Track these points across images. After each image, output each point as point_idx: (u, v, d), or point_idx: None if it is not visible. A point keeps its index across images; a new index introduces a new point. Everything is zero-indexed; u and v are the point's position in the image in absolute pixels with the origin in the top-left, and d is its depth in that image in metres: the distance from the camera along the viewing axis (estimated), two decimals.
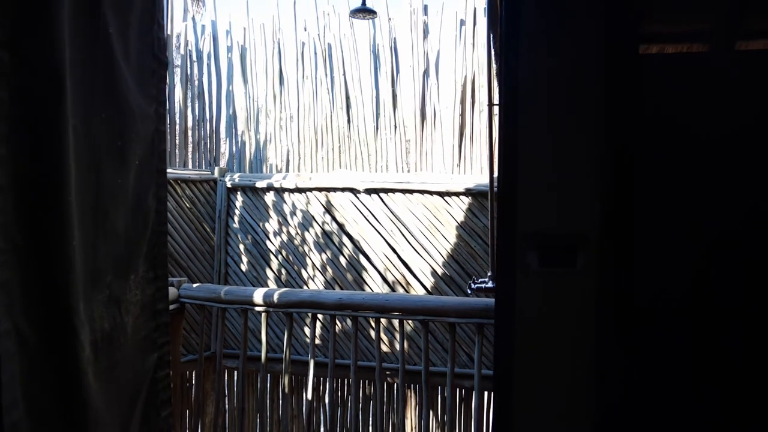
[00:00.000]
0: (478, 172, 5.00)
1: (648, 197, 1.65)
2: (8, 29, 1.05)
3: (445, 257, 4.97)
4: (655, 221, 1.65)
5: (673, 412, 1.63)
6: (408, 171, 5.19)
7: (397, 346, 3.65)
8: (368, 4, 3.15)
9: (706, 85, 1.67)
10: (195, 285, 3.94)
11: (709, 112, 1.66)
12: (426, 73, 5.15)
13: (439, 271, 4.98)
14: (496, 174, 3.05)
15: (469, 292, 2.64)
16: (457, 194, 4.94)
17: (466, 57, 5.03)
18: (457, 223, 4.94)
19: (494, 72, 3.29)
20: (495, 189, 3.04)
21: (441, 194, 4.98)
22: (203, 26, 5.49)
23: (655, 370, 1.64)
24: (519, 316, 1.67)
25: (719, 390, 1.60)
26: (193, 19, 5.46)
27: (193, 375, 4.91)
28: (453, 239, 4.95)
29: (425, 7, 5.14)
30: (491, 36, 3.01)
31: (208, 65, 5.53)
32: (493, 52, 3.12)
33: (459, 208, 4.94)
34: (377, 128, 5.26)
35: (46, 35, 1.14)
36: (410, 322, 4.70)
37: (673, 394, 1.63)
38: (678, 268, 1.64)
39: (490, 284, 2.67)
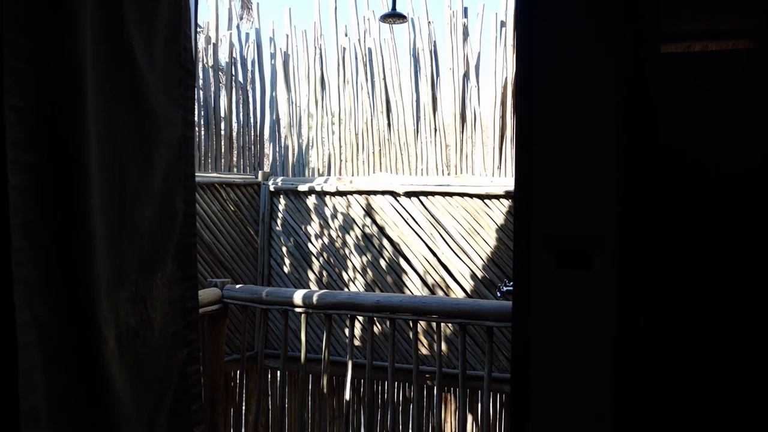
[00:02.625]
0: None
1: (667, 198, 1.63)
2: (31, 41, 1.13)
3: (485, 260, 4.94)
4: (674, 223, 1.62)
5: (693, 419, 1.59)
6: (448, 174, 5.20)
7: (435, 349, 3.66)
8: (406, 9, 3.16)
9: (731, 83, 1.63)
10: (238, 286, 4.05)
11: (733, 109, 1.62)
12: (466, 75, 5.15)
13: (479, 274, 4.96)
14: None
15: (498, 295, 2.63)
16: (497, 197, 4.91)
17: (506, 59, 5.00)
18: (497, 226, 4.91)
19: None
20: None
21: (481, 197, 4.96)
22: (247, 34, 5.64)
23: (673, 374, 1.61)
24: (535, 319, 1.67)
25: (740, 396, 1.56)
26: (238, 27, 5.61)
27: (237, 374, 5.04)
28: (493, 242, 4.93)
29: (465, 10, 5.14)
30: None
31: (252, 72, 5.68)
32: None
33: (499, 211, 4.91)
34: (417, 131, 5.28)
35: (68, 49, 1.21)
36: (449, 324, 4.70)
37: (692, 400, 1.60)
38: (698, 271, 1.60)
39: None
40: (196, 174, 5.20)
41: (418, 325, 3.52)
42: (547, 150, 1.65)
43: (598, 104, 1.58)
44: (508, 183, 4.88)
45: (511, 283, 2.78)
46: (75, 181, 1.26)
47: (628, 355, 1.61)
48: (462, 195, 5.02)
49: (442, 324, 3.72)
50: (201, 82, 5.43)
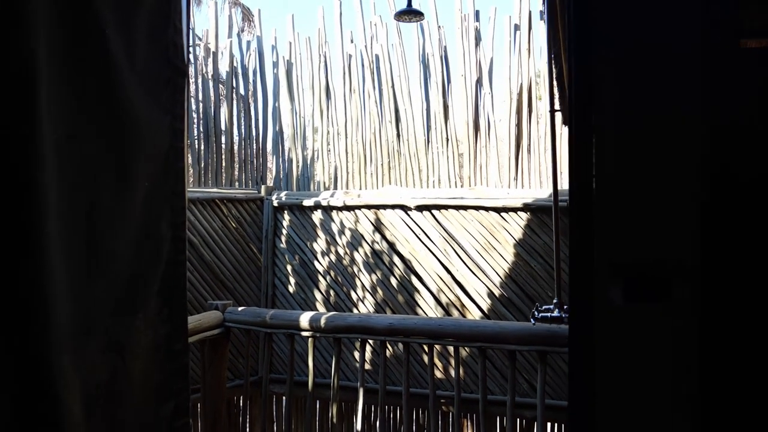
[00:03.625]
0: (537, 186, 4.67)
1: (760, 213, 1.33)
2: None
3: (503, 278, 4.64)
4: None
5: None
6: (462, 186, 4.91)
7: (452, 373, 3.39)
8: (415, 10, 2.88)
9: None
10: (240, 308, 3.77)
11: None
12: (479, 82, 4.88)
13: (497, 292, 4.65)
14: (560, 187, 2.76)
15: (532, 322, 2.34)
16: (514, 210, 4.61)
17: (521, 64, 4.73)
18: (515, 241, 4.61)
19: (555, 76, 3.00)
20: (560, 204, 2.73)
21: (497, 210, 4.67)
22: (248, 42, 5.38)
23: None
24: (600, 362, 1.37)
25: None
26: (238, 35, 5.35)
27: (240, 401, 4.73)
28: (511, 258, 4.63)
29: (477, 13, 4.88)
30: (551, 36, 2.73)
31: (254, 82, 5.42)
32: (553, 55, 2.83)
33: (517, 224, 4.62)
34: (428, 141, 5.00)
35: (15, 39, 0.93)
36: (466, 347, 4.40)
37: None
38: None
39: (556, 313, 2.36)
40: (196, 189, 4.94)
41: (434, 347, 3.25)
42: (611, 156, 1.36)
43: (679, 100, 1.30)
44: (526, 195, 4.58)
45: (545, 308, 2.48)
46: (25, 200, 0.97)
47: (717, 404, 1.31)
48: (477, 208, 4.73)
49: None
50: (201, 93, 5.17)
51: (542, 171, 4.68)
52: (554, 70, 2.91)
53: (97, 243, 1.23)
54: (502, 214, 4.65)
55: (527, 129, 4.73)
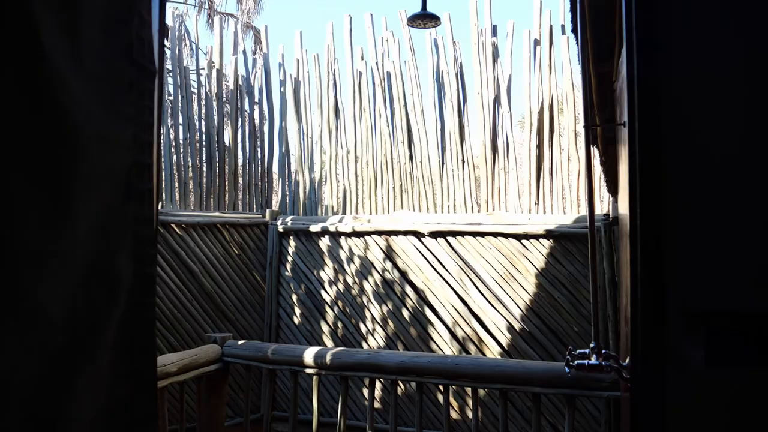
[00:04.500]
0: (560, 211, 4.36)
1: None
2: None
3: (524, 310, 4.30)
4: None
5: None
6: (479, 211, 4.61)
7: (470, 414, 3.07)
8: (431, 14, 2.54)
9: None
10: (240, 342, 3.48)
11: None
12: (497, 100, 4.60)
13: (517, 326, 4.31)
14: (597, 212, 2.47)
15: (567, 371, 2.01)
16: (536, 237, 4.30)
17: (542, 81, 4.46)
18: (536, 270, 4.28)
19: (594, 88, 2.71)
20: (595, 230, 2.42)
21: (517, 237, 4.35)
22: (254, 59, 5.15)
23: None
24: None
25: None
26: (244, 52, 5.13)
27: None
28: (532, 289, 4.30)
29: (494, 28, 4.62)
30: (587, 43, 2.45)
31: (260, 100, 5.18)
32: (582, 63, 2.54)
33: (539, 252, 4.29)
34: (443, 163, 4.72)
35: None
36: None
37: None
38: None
39: (594, 360, 2.03)
40: (196, 213, 4.67)
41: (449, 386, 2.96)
42: (690, 178, 1.06)
43: None
44: (548, 220, 4.27)
45: (580, 352, 2.15)
46: None
47: None
48: (495, 235, 4.41)
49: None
50: (204, 111, 4.94)
51: (566, 195, 4.37)
52: (593, 80, 2.62)
53: (14, 292, 0.93)
54: (523, 241, 4.33)
55: (549, 150, 4.43)
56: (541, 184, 4.46)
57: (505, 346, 4.32)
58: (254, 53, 13.85)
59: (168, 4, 4.49)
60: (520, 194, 4.51)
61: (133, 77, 1.28)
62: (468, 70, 4.68)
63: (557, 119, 4.43)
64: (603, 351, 2.16)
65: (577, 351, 2.17)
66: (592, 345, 2.14)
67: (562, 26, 4.48)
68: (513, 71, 4.64)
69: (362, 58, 4.96)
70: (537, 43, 4.52)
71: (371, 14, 4.90)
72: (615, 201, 3.84)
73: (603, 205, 4.19)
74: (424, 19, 2.52)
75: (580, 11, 2.52)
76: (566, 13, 4.46)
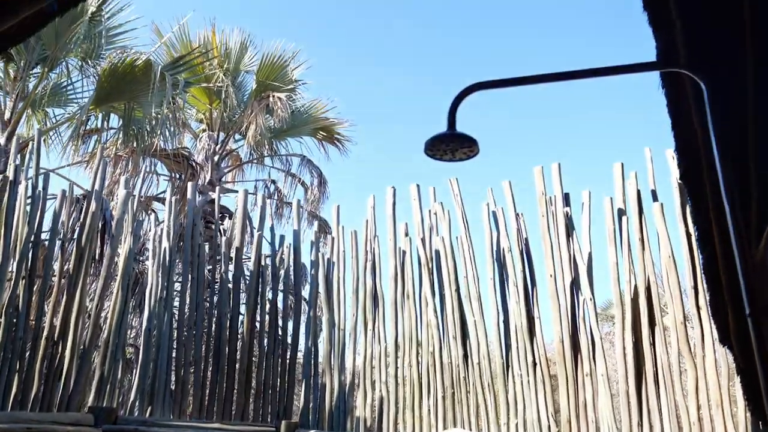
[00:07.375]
0: None
1: None
2: None
3: None
4: None
5: None
6: (558, 431, 3.36)
7: None
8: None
9: None
10: None
11: None
12: (575, 284, 3.59)
13: None
14: None
15: None
16: None
17: (633, 259, 3.47)
18: None
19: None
20: None
21: None
22: (282, 236, 4.44)
23: None
24: None
25: None
26: (272, 229, 4.46)
27: None
28: None
29: (566, 197, 3.77)
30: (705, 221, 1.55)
31: (285, 283, 4.37)
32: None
33: None
34: (507, 366, 3.64)
35: None
36: None
37: None
38: None
39: None
40: (190, 424, 3.64)
41: None
42: None
43: None
44: None
45: None
46: None
47: None
48: None
49: None
50: (216, 297, 4.15)
51: (681, 411, 3.12)
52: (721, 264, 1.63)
53: None
54: None
55: (650, 349, 3.29)
56: (643, 397, 3.25)
57: None
58: (319, 245, 13.47)
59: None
60: (614, 409, 3.28)
61: None
62: (536, 248, 3.78)
63: (658, 308, 3.34)
64: None
65: None
66: None
67: (653, 192, 3.57)
68: (593, 248, 3.67)
69: (406, 234, 4.18)
70: (622, 212, 3.62)
71: (417, 185, 4.20)
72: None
73: None
74: (451, 142, 1.53)
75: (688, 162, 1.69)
76: (655, 176, 3.58)
